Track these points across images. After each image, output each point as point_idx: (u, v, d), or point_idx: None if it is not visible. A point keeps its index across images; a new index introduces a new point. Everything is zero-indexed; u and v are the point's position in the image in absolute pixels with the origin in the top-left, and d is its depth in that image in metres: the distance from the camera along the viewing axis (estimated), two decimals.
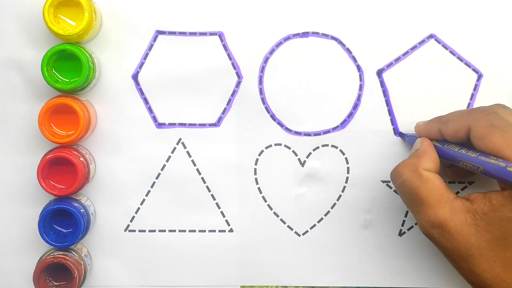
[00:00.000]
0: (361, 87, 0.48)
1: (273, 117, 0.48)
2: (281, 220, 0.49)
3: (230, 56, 0.48)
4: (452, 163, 0.41)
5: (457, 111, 0.43)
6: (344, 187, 0.49)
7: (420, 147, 0.43)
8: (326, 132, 0.48)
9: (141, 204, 0.48)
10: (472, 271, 0.38)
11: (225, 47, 0.48)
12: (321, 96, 0.48)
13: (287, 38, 0.48)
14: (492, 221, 0.37)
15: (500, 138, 0.37)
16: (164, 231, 0.48)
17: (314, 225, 0.49)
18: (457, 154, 0.40)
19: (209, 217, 0.48)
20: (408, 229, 0.49)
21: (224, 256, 0.49)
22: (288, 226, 0.49)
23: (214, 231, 0.49)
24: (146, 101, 0.48)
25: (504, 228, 0.37)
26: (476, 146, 0.39)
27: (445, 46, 0.48)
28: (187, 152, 0.48)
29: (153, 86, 0.47)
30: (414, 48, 0.48)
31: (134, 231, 0.48)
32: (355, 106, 0.48)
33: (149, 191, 0.48)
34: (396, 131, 0.49)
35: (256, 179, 0.48)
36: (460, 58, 0.48)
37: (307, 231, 0.49)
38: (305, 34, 0.48)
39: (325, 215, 0.49)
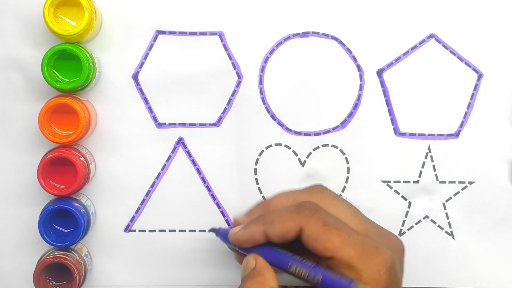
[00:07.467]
0: (361, 87, 0.48)
1: (273, 117, 0.48)
2: None
3: (230, 56, 0.48)
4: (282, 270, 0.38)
5: (280, 210, 0.39)
6: (344, 187, 0.49)
7: (256, 265, 0.39)
8: (326, 132, 0.48)
9: (141, 204, 0.48)
10: None
11: (225, 47, 0.48)
12: (321, 96, 0.48)
13: (287, 38, 0.48)
14: None
15: (337, 238, 0.36)
16: (164, 231, 0.48)
17: None
18: (291, 261, 0.37)
19: (209, 217, 0.48)
20: (408, 229, 0.49)
21: (224, 256, 0.49)
22: None
23: None
24: (146, 101, 0.48)
25: None
26: (311, 247, 0.37)
27: (445, 46, 0.48)
28: (187, 152, 0.48)
29: (153, 86, 0.47)
30: (414, 47, 0.48)
31: (134, 231, 0.48)
32: (355, 106, 0.48)
33: (149, 191, 0.48)
34: (396, 131, 0.49)
35: (256, 179, 0.48)
36: (460, 58, 0.49)
37: None
38: (305, 34, 0.48)
39: None
